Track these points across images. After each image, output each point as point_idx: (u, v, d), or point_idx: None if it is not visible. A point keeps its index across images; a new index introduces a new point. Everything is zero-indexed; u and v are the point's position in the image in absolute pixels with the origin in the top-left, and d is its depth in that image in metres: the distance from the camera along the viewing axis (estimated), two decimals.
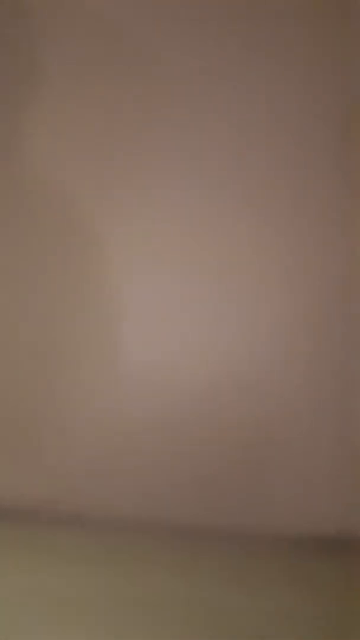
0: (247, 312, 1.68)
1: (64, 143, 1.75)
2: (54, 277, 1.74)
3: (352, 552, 1.52)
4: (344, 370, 1.64)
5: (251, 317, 1.68)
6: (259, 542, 1.55)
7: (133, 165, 1.70)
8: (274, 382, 1.65)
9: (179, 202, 1.69)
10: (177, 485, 1.62)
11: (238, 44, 1.68)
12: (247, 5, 1.67)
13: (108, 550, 1.47)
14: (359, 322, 1.68)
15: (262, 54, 1.68)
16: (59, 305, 1.74)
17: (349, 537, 1.54)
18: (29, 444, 1.72)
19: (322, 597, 1.22)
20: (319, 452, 1.61)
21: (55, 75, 1.74)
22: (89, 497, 1.64)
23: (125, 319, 1.71)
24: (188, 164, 1.68)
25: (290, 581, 1.31)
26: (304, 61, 1.68)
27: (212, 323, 1.68)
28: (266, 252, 1.69)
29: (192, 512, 1.59)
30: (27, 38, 1.79)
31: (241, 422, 1.64)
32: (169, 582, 1.28)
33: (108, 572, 1.31)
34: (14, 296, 1.75)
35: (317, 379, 1.65)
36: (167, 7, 1.69)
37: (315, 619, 1.09)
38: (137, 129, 1.71)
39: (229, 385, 1.65)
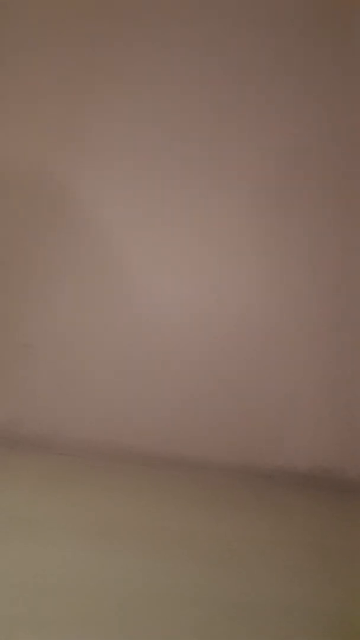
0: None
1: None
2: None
3: (325, 488, 1.61)
4: (329, 321, 1.70)
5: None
6: (235, 475, 1.61)
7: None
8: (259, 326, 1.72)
9: (188, 202, 1.75)
10: (148, 415, 1.67)
11: (240, 46, 1.72)
12: (251, 8, 1.72)
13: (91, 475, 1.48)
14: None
15: (272, 57, 1.73)
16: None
17: (322, 473, 1.63)
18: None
19: (294, 530, 1.29)
20: (298, 391, 1.69)
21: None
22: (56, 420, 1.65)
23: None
24: (195, 165, 1.74)
25: (262, 512, 1.38)
26: (307, 63, 1.72)
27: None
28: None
29: (168, 444, 1.65)
30: None
31: (221, 360, 1.71)
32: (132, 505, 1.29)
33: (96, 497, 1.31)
34: None
35: (302, 326, 1.71)
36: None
37: (288, 549, 1.16)
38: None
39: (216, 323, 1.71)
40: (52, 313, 1.72)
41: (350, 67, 1.74)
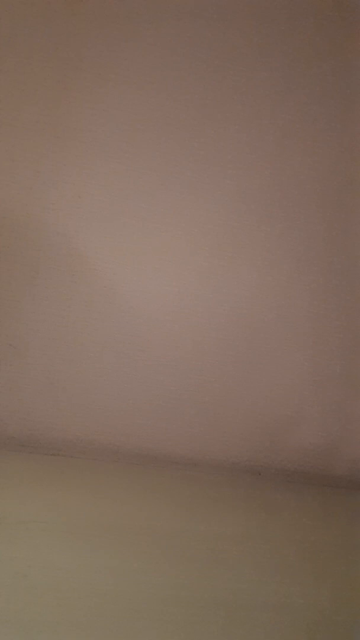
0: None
1: None
2: None
3: (314, 485, 1.61)
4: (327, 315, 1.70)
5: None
6: (225, 473, 1.62)
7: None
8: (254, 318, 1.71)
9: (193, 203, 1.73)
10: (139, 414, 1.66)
11: (243, 46, 1.72)
12: (253, 7, 1.72)
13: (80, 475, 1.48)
14: None
15: (267, 55, 1.72)
16: None
17: (311, 469, 1.64)
18: None
19: (283, 526, 1.30)
20: (287, 388, 1.68)
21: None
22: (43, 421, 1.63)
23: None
24: (195, 167, 1.73)
25: (252, 509, 1.39)
26: (309, 66, 1.72)
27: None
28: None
29: (157, 442, 1.64)
30: None
31: (210, 358, 1.70)
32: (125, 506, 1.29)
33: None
34: None
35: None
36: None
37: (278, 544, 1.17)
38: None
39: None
40: (38, 312, 1.70)
41: (346, 65, 1.74)
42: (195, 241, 1.73)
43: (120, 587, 0.89)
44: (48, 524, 1.13)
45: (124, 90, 1.73)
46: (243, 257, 1.74)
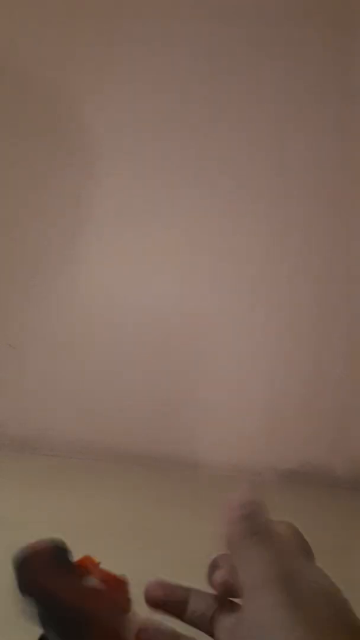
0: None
1: None
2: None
3: (315, 485, 1.61)
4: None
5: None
6: (225, 473, 1.61)
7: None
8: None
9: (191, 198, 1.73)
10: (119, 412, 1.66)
11: (243, 43, 1.72)
12: (253, 5, 1.71)
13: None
14: None
15: (267, 53, 1.72)
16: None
17: (311, 470, 1.64)
18: None
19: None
20: (286, 389, 1.68)
21: None
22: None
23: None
24: (195, 161, 1.72)
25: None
26: (310, 63, 1.71)
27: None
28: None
29: (158, 443, 1.64)
30: None
31: (209, 358, 1.70)
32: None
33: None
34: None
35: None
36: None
37: None
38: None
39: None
40: (38, 313, 1.70)
41: (346, 60, 1.73)
42: (195, 241, 1.73)
43: None
44: (47, 524, 1.13)
45: (125, 90, 1.73)
46: (244, 259, 1.73)
